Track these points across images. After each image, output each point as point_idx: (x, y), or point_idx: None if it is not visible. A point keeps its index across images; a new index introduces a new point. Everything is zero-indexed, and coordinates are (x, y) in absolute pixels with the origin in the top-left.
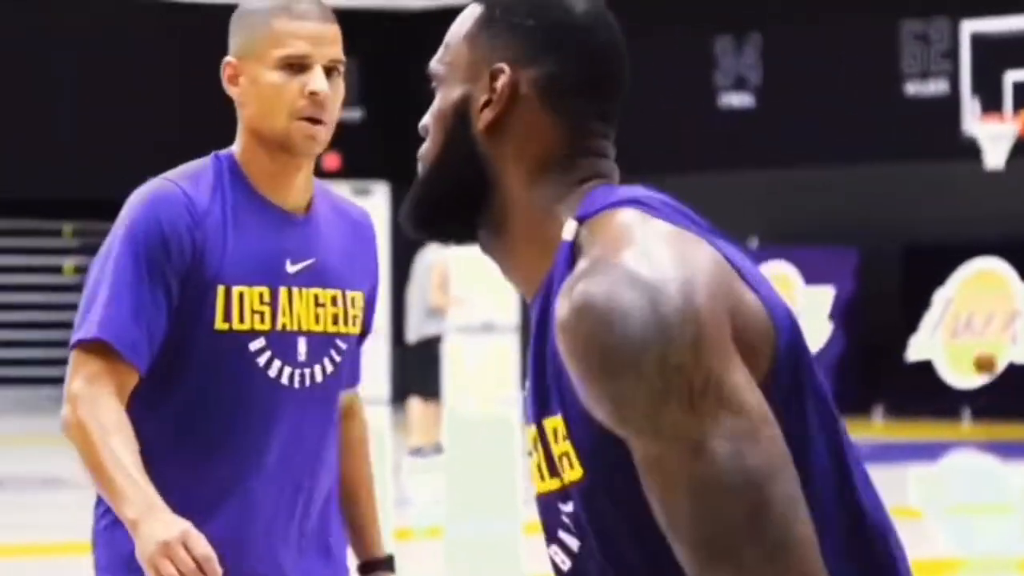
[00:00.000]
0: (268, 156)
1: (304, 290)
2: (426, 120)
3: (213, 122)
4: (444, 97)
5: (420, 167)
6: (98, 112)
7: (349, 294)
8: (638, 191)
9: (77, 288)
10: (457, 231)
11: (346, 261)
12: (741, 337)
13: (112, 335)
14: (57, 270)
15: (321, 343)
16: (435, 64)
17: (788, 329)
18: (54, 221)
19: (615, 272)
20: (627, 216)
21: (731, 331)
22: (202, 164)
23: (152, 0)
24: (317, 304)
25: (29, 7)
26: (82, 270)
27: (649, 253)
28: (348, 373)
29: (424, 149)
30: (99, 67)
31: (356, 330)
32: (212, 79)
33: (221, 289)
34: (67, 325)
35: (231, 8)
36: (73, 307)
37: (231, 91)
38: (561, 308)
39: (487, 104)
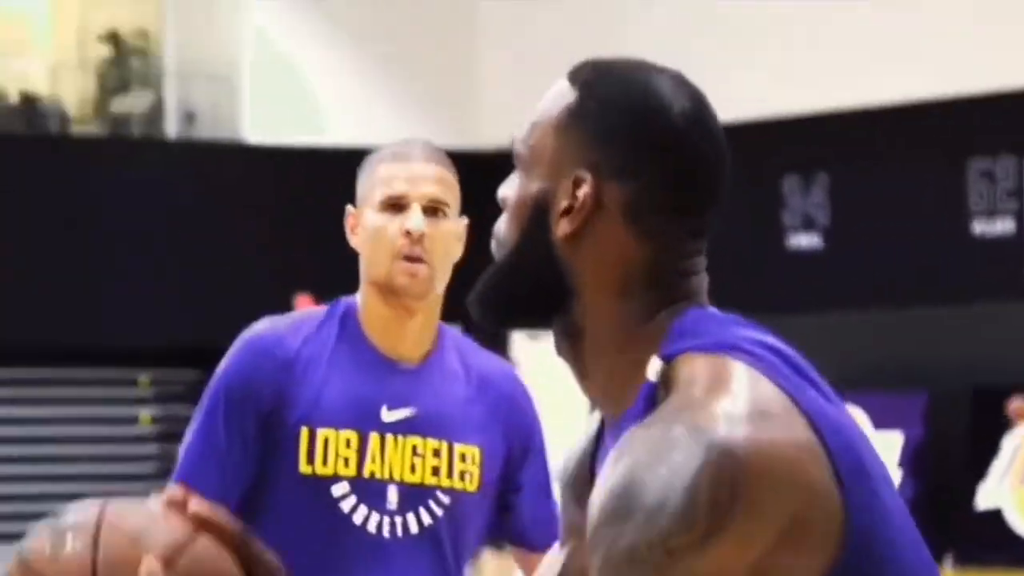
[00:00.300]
0: (381, 301)
1: (401, 438)
2: (504, 193)
3: (291, 268)
4: (524, 186)
5: (495, 246)
6: (173, 258)
7: (458, 447)
8: (735, 334)
9: (154, 439)
10: (528, 325)
11: (460, 414)
12: (801, 527)
13: (185, 480)
14: (133, 421)
15: (416, 494)
16: (518, 143)
17: (862, 515)
18: (129, 370)
19: (686, 426)
20: (722, 367)
21: (787, 524)
22: (317, 309)
23: (231, 144)
24: (415, 454)
25: (105, 153)
26: (159, 420)
27: (728, 424)
28: (510, 528)
29: (501, 231)
30: (175, 212)
31: (467, 486)
32: (288, 224)
33: (305, 431)
34: (144, 478)
35: (302, 153)
36: (150, 459)
37: (352, 240)
38: (629, 432)
39: (567, 211)
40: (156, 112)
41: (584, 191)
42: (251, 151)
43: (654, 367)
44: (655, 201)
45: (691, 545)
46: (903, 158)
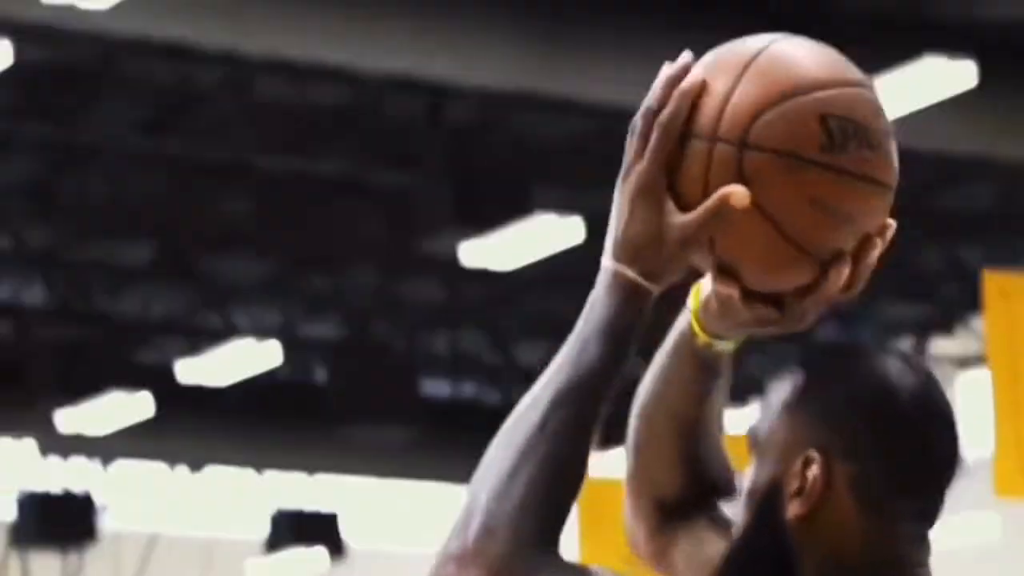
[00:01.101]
0: None
1: None
2: (741, 482)
3: None
4: (758, 471)
5: (732, 534)
6: None
7: None
8: None
9: None
10: None
11: None
12: None
13: None
14: None
15: None
16: (755, 424)
17: None
18: None
19: None
20: None
21: None
22: None
23: None
24: None
25: None
26: None
27: None
28: None
29: (737, 517)
30: None
31: None
32: None
33: None
34: None
35: None
36: None
37: None
38: None
39: (798, 492)
40: None
41: (813, 472)
42: None
43: None
44: (882, 481)
45: None
46: None
